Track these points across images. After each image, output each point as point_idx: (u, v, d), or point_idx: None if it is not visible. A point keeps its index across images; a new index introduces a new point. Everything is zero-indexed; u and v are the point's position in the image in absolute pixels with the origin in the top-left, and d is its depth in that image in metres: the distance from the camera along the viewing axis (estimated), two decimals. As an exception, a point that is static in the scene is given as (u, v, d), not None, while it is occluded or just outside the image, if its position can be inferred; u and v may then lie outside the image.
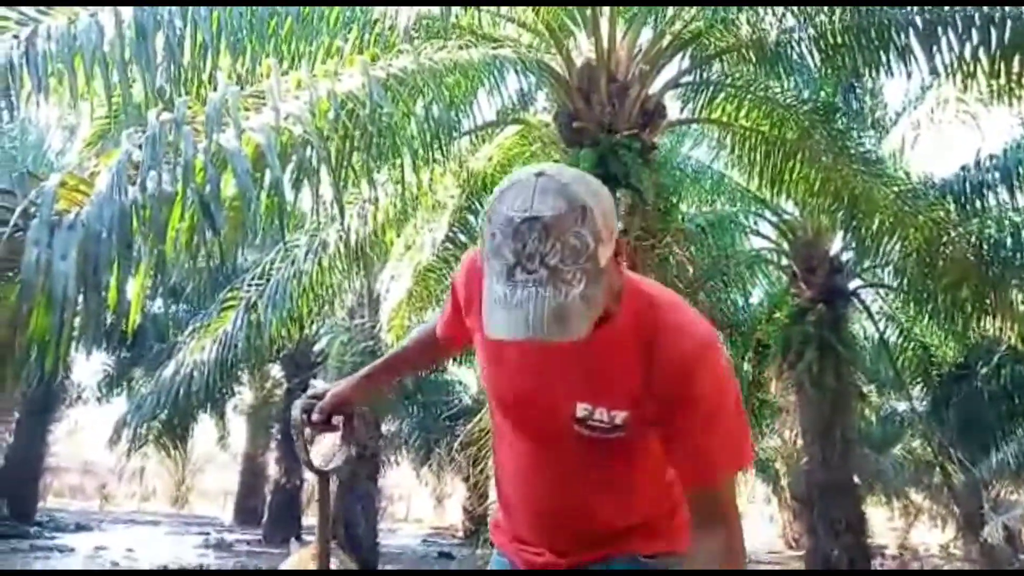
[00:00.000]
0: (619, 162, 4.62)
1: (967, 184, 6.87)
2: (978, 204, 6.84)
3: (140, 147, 3.07)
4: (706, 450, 1.30)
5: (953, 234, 6.49)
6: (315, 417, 1.65)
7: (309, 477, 16.13)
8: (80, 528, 14.46)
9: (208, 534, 14.51)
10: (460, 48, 4.58)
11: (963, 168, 6.97)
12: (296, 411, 1.67)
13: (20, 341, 3.06)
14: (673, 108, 6.01)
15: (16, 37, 3.42)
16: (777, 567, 13.10)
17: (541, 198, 1.12)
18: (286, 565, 6.78)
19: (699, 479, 1.32)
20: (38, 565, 9.22)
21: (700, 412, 1.28)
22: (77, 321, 3.02)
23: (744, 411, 1.38)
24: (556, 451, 1.38)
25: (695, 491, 1.33)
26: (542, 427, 1.37)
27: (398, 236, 6.64)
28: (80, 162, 4.90)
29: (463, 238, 6.62)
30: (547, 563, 1.46)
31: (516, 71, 4.89)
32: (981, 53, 4.30)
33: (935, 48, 4.35)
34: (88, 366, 16.25)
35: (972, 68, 4.46)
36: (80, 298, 2.91)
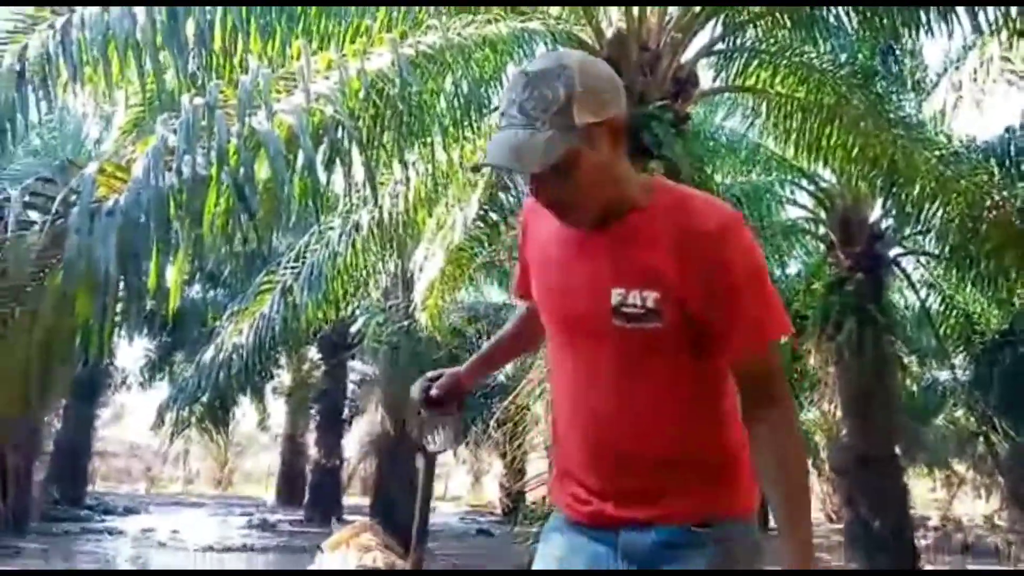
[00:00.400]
0: (651, 133, 4.54)
1: (1012, 146, 6.69)
2: (1023, 167, 6.66)
3: (175, 132, 3.09)
4: (748, 314, 1.32)
5: (997, 198, 6.32)
6: (433, 393, 1.71)
7: (346, 455, 16.36)
8: (128, 511, 14.87)
9: (251, 515, 14.83)
10: (488, 23, 4.53)
11: (1007, 130, 6.78)
12: (415, 392, 1.73)
13: (65, 327, 3.12)
14: (706, 77, 5.91)
15: (52, 27, 3.46)
16: (817, 540, 13.02)
17: (539, 61, 1.33)
18: (328, 543, 6.90)
19: (746, 348, 1.34)
20: (90, 548, 9.49)
21: (736, 278, 1.31)
22: (119, 306, 3.08)
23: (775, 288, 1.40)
24: (600, 357, 1.39)
25: (744, 366, 1.36)
26: (586, 329, 1.40)
27: (430, 216, 6.63)
28: (116, 150, 4.96)
29: (494, 216, 6.60)
30: (593, 512, 1.41)
31: (545, 44, 4.83)
32: (1027, 9, 4.15)
33: (978, 4, 4.19)
34: (131, 352, 16.62)
35: (1018, 25, 4.31)
36: (121, 283, 2.96)
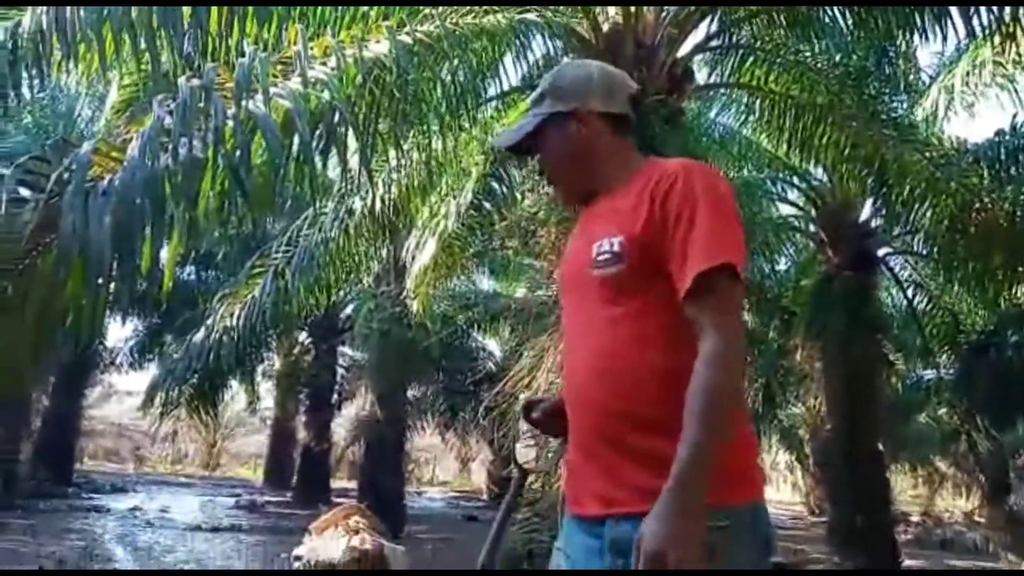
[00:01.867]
0: (646, 127, 4.56)
1: (1002, 150, 6.71)
2: (1012, 170, 6.70)
3: (171, 114, 3.09)
4: (701, 236, 1.35)
5: (986, 200, 6.35)
6: (538, 411, 1.70)
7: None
8: (116, 490, 14.86)
9: (239, 496, 14.86)
10: (486, 13, 4.54)
11: (998, 133, 6.81)
12: (520, 405, 1.74)
13: (57, 306, 3.13)
14: (701, 73, 5.93)
15: (46, 4, 3.45)
16: (800, 533, 13.16)
17: None
18: (316, 525, 6.93)
19: (687, 276, 1.34)
20: (76, 525, 9.51)
21: (692, 202, 1.38)
22: (111, 287, 3.09)
23: (740, 225, 1.43)
24: (584, 314, 1.49)
25: (692, 294, 1.35)
26: (574, 286, 1.54)
27: (423, 203, 6.64)
28: (109, 129, 4.95)
29: (487, 205, 6.61)
30: (580, 501, 1.46)
31: (542, 36, 4.84)
32: (1021, 13, 4.17)
33: (972, 9, 4.22)
34: (121, 331, 16.58)
35: (1011, 29, 4.33)
36: (114, 264, 2.97)
